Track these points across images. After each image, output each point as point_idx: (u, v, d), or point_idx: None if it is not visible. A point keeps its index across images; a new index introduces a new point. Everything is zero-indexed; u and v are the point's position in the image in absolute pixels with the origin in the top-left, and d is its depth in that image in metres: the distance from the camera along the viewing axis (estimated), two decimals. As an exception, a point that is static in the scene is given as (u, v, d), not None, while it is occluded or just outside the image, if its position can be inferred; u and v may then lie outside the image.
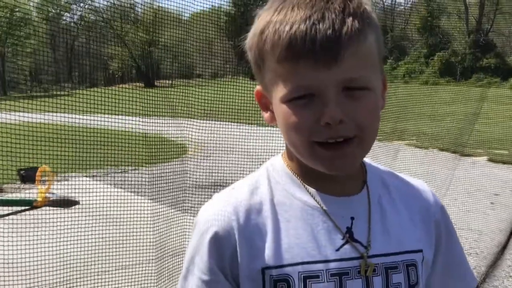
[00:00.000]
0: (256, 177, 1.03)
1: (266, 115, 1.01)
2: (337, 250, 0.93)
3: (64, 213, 4.46)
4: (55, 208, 4.98)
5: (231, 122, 4.33)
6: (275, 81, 0.92)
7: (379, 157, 4.32)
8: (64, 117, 4.67)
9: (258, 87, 1.01)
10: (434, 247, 1.04)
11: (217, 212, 0.98)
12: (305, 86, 0.87)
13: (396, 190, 1.05)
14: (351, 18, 0.86)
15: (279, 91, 0.91)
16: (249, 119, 4.23)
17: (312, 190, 0.97)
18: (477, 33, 34.69)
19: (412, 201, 1.05)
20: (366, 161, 1.05)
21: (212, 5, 4.12)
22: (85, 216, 4.73)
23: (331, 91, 0.86)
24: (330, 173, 0.93)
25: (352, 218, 0.96)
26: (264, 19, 0.92)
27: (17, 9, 32.62)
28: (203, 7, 4.01)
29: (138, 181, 4.97)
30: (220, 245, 0.95)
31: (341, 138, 0.88)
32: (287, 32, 0.86)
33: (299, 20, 0.86)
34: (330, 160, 0.90)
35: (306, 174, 0.98)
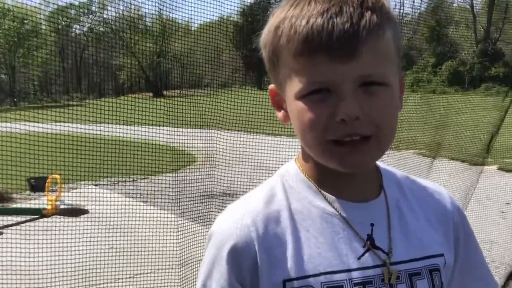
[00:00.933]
0: (271, 185, 0.98)
1: (279, 114, 0.98)
2: (359, 258, 0.91)
3: (73, 221, 4.47)
4: (64, 217, 5.00)
5: (239, 131, 4.33)
6: (289, 77, 0.89)
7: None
8: (74, 126, 4.71)
9: (271, 86, 0.97)
10: (453, 251, 1.01)
11: (234, 223, 0.93)
12: (321, 81, 0.84)
13: (412, 194, 1.01)
14: (369, 12, 0.83)
15: (294, 87, 0.88)
16: (257, 129, 4.23)
17: (329, 196, 0.94)
18: (485, 42, 34.57)
19: (429, 204, 1.02)
20: (380, 165, 1.02)
21: (221, 15, 4.14)
22: (94, 225, 4.74)
23: (347, 87, 0.83)
24: (344, 170, 0.89)
25: (372, 225, 0.93)
26: (278, 16, 0.89)
27: (27, 21, 33.00)
28: (210, 19, 4.04)
29: (147, 190, 4.99)
30: (239, 257, 0.91)
31: (357, 136, 0.85)
32: (304, 26, 0.83)
33: (316, 14, 0.83)
34: (344, 156, 0.87)
35: (322, 178, 0.95)
